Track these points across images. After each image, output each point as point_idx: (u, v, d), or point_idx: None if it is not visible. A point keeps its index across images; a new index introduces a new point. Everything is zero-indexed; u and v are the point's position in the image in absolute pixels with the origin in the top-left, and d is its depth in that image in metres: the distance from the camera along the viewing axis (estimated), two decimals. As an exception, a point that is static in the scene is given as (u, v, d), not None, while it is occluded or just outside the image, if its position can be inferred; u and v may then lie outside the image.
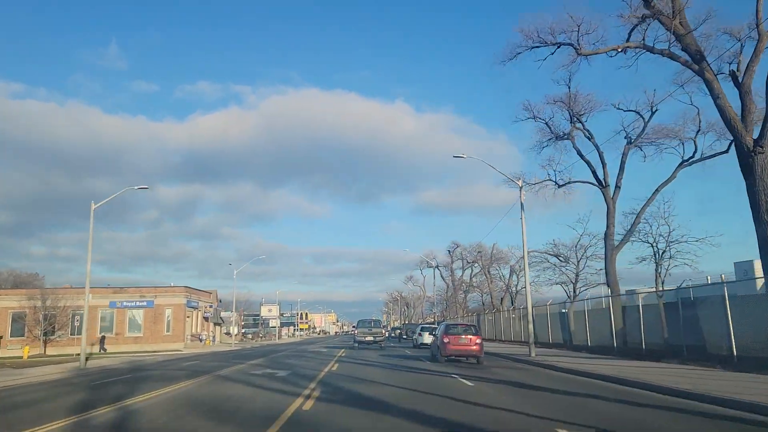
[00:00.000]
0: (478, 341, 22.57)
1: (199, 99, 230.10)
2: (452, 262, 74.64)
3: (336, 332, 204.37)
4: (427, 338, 36.96)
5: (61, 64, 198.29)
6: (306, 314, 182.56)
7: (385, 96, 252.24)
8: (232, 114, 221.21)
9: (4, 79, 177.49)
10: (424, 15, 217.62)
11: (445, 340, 22.79)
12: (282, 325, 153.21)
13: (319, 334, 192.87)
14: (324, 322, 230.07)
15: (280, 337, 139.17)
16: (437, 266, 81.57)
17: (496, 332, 48.47)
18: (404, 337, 61.00)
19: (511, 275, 49.96)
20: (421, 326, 43.90)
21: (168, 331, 55.55)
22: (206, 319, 62.57)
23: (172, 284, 58.34)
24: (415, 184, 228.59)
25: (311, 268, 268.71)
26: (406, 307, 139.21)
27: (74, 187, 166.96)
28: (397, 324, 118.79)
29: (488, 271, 53.80)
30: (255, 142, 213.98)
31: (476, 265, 63.40)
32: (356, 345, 39.31)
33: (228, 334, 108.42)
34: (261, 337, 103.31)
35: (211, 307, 61.89)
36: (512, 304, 48.31)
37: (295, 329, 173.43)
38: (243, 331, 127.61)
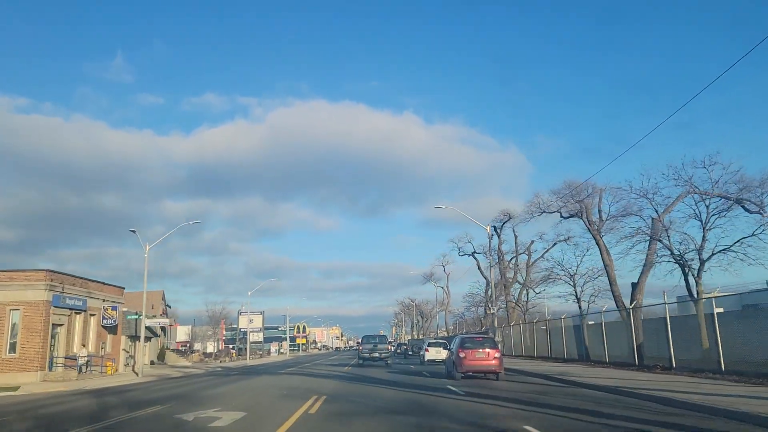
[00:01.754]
0: (497, 355, 20.43)
1: (206, 112, 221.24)
2: (500, 243, 48.81)
3: (337, 347, 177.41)
4: (434, 354, 35.44)
5: (67, 77, 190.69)
6: (304, 327, 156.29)
7: (394, 107, 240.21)
8: (239, 127, 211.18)
9: (8, 93, 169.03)
10: (433, 24, 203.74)
11: (461, 354, 20.56)
12: (272, 340, 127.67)
13: (320, 350, 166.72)
14: (327, 336, 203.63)
15: (268, 354, 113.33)
16: (474, 253, 55.70)
17: (648, 349, 22.77)
18: (410, 353, 57.52)
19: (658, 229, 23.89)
20: (428, 342, 41.19)
21: (12, 351, 29.81)
22: (108, 329, 36.99)
23: (43, 267, 32.50)
24: (424, 197, 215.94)
25: (319, 283, 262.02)
26: (420, 318, 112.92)
27: (81, 202, 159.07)
28: (409, 338, 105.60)
29: (598, 232, 27.90)
30: (262, 155, 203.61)
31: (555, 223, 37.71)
32: (361, 362, 36.56)
33: (189, 352, 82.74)
34: (232, 357, 77.41)
35: (114, 309, 36.16)
36: (696, 292, 22.30)
37: (291, 345, 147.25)
38: (223, 348, 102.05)
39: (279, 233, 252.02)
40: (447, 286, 74.89)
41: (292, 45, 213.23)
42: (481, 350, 20.62)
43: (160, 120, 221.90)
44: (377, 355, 35.75)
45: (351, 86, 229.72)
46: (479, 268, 55.93)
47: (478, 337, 23.09)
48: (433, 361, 35.06)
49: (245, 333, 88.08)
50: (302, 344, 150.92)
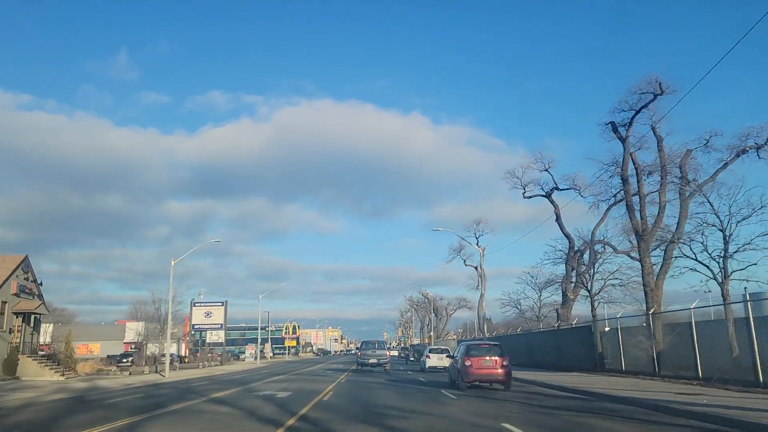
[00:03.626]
0: (505, 363, 19.11)
1: (210, 110, 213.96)
2: (627, 151, 24.35)
3: (325, 350, 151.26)
4: (436, 361, 33.79)
5: (70, 74, 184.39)
6: (294, 327, 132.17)
7: (401, 107, 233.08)
8: (244, 126, 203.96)
9: (11, 89, 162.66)
10: (441, 24, 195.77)
11: (467, 363, 19.32)
12: (246, 342, 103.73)
13: (315, 353, 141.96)
14: (323, 338, 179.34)
15: (237, 359, 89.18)
16: (555, 189, 31.59)
17: None
18: (411, 359, 53.88)
19: None
20: (429, 348, 39.78)
21: None
22: None
23: None
24: (430, 199, 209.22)
25: (323, 286, 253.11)
26: (434, 315, 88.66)
27: (84, 202, 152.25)
28: (411, 342, 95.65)
29: None
30: (267, 155, 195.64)
31: None
32: (360, 368, 35.53)
33: (122, 361, 58.72)
34: (157, 366, 52.85)
35: None
36: None
37: (278, 347, 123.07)
38: (186, 351, 78.03)
39: (283, 235, 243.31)
40: (481, 266, 50.35)
41: (298, 43, 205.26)
42: (488, 358, 19.23)
43: (164, 119, 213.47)
44: (375, 361, 35.10)
45: (358, 85, 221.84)
46: (559, 220, 31.77)
47: (485, 344, 21.03)
48: (434, 368, 33.33)
49: (199, 329, 64.09)
50: (291, 347, 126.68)
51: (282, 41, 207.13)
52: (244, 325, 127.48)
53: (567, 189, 29.97)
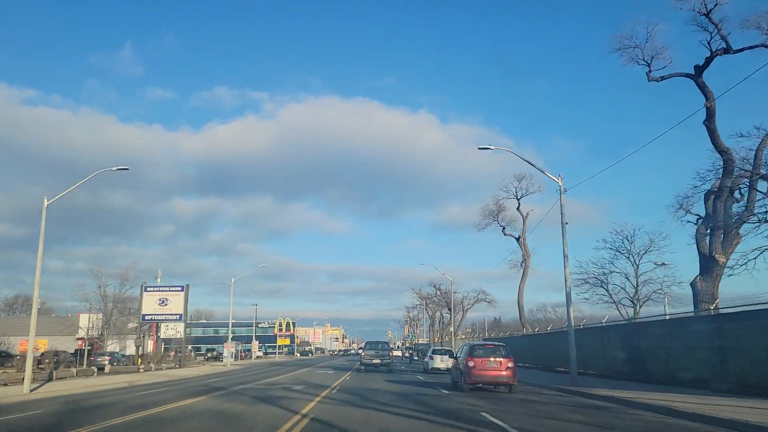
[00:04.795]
0: (510, 365, 18.26)
1: (216, 107, 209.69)
2: None
3: (305, 352, 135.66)
4: (439, 362, 33.11)
5: (75, 69, 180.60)
6: (288, 324, 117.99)
7: (409, 105, 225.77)
8: (249, 123, 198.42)
9: (16, 84, 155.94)
10: (450, 23, 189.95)
11: (470, 364, 18.62)
12: (246, 339, 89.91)
13: (299, 354, 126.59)
14: (322, 337, 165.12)
15: (187, 362, 74.99)
16: (717, 56, 16.94)
17: None
18: (415, 359, 56.01)
19: None
20: (432, 349, 39.64)
21: None
22: None
23: None
24: (436, 200, 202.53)
25: (326, 286, 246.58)
26: (447, 310, 74.21)
27: (89, 199, 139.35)
28: (416, 342, 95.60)
29: None
30: (272, 153, 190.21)
31: None
32: (363, 368, 36.45)
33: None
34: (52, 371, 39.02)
35: None
36: None
37: (269, 346, 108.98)
38: (153, 349, 63.98)
39: (287, 235, 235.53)
40: (524, 238, 36.15)
41: (305, 39, 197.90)
42: (492, 359, 18.48)
43: (169, 115, 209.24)
44: (379, 361, 35.07)
45: (365, 82, 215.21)
46: (710, 122, 17.43)
47: (490, 345, 20.47)
48: (438, 369, 32.37)
49: (150, 319, 49.86)
50: (285, 346, 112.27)
51: (289, 37, 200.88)
52: (234, 321, 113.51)
53: (753, 47, 15.39)
